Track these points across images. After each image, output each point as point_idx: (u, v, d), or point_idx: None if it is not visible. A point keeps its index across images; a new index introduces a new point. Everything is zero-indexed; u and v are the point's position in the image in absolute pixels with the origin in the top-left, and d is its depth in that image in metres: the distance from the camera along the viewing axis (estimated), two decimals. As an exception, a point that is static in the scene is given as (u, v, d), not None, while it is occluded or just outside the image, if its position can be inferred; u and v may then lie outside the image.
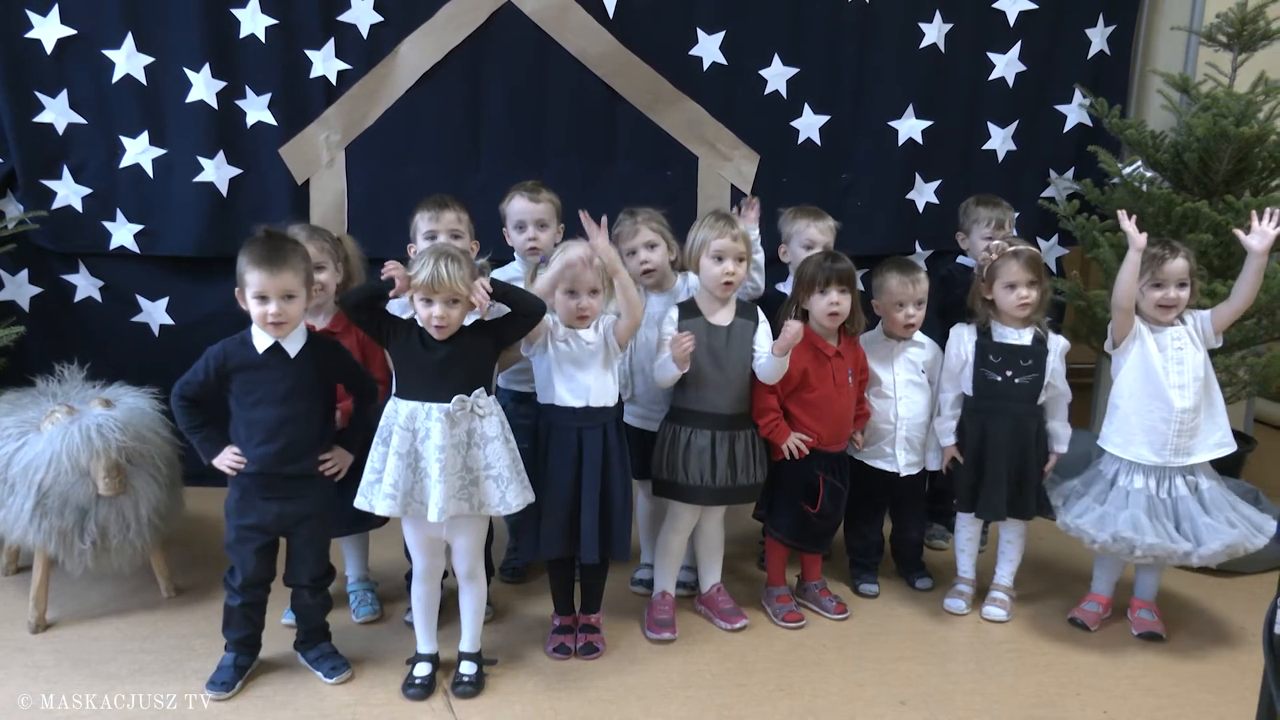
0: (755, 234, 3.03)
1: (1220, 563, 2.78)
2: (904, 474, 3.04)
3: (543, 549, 2.63)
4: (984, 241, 3.29)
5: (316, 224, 3.19)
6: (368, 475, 2.44)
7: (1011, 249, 2.89)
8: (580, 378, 2.56)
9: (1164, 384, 2.75)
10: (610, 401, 2.62)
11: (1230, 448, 2.80)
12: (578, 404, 2.57)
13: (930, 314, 3.07)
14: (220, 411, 2.46)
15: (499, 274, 2.88)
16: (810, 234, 3.11)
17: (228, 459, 2.43)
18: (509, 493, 2.45)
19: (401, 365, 2.44)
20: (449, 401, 2.37)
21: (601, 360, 2.58)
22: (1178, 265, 2.76)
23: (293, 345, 2.41)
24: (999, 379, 2.89)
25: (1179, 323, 2.80)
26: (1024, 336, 2.90)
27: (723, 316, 2.76)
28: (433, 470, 2.36)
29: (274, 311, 2.33)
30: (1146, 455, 2.77)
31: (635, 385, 2.87)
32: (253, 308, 2.36)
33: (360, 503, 2.45)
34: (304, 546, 2.53)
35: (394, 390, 2.45)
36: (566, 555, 2.68)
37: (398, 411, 2.40)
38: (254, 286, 2.33)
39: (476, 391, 2.42)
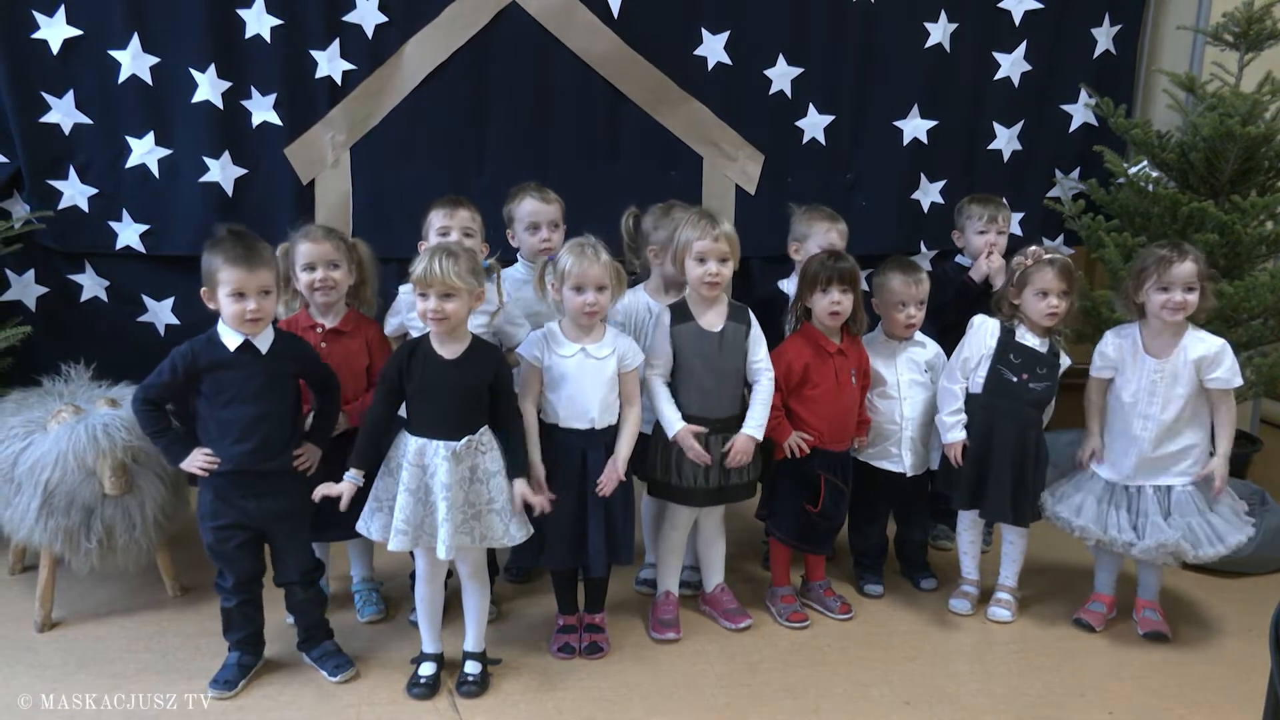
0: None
1: (1164, 562, 2.81)
2: (910, 475, 3.04)
3: (546, 561, 2.64)
4: (977, 238, 3.30)
5: (320, 224, 3.19)
6: (371, 502, 2.45)
7: (1047, 256, 2.85)
8: (582, 400, 2.55)
9: (1131, 412, 2.78)
10: (613, 419, 2.62)
11: (1187, 478, 2.78)
12: (582, 426, 2.57)
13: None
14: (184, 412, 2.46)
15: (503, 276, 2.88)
16: (831, 238, 3.09)
17: (198, 460, 2.40)
18: (512, 525, 2.46)
19: (411, 397, 2.43)
20: (455, 438, 2.38)
21: (608, 381, 2.57)
22: (1185, 269, 2.70)
23: (263, 342, 2.41)
24: (1014, 380, 2.87)
25: (1169, 354, 2.75)
26: (1043, 346, 2.88)
27: (713, 320, 2.72)
28: (440, 508, 2.37)
29: (253, 308, 2.33)
30: (1105, 470, 2.83)
31: None
32: (227, 305, 2.34)
33: (361, 527, 2.47)
34: (287, 543, 2.53)
35: (406, 424, 2.44)
36: (572, 567, 2.70)
37: (407, 446, 2.41)
38: (230, 284, 2.32)
39: (481, 429, 2.43)
